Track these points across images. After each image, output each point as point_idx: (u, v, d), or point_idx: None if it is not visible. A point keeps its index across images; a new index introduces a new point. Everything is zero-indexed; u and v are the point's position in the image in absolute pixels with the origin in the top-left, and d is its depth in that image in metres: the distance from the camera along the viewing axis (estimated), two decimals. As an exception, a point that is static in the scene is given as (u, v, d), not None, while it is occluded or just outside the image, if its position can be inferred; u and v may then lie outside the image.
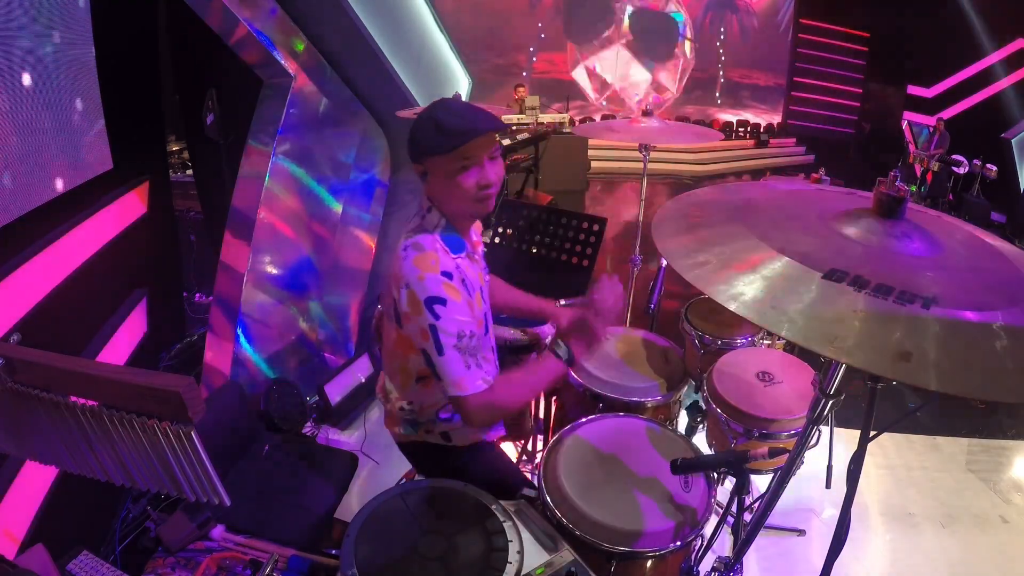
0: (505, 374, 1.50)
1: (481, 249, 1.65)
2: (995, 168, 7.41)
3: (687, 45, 11.21)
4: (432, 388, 1.54)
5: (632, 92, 11.21)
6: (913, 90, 9.54)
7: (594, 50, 11.05)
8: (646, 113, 2.89)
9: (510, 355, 2.17)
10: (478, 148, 1.36)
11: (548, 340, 2.22)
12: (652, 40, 11.11)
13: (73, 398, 0.96)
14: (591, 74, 11.15)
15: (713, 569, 1.46)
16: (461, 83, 4.83)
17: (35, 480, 1.90)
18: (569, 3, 10.92)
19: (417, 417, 1.61)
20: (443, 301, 1.33)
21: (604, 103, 11.27)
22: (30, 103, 1.85)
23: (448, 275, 1.37)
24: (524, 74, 10.81)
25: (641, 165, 2.97)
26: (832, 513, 2.64)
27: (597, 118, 10.29)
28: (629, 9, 10.91)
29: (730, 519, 1.55)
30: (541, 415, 2.39)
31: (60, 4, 1.98)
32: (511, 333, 2.12)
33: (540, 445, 2.54)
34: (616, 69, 11.10)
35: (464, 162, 1.36)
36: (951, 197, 7.69)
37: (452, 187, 1.38)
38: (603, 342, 1.55)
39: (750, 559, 2.39)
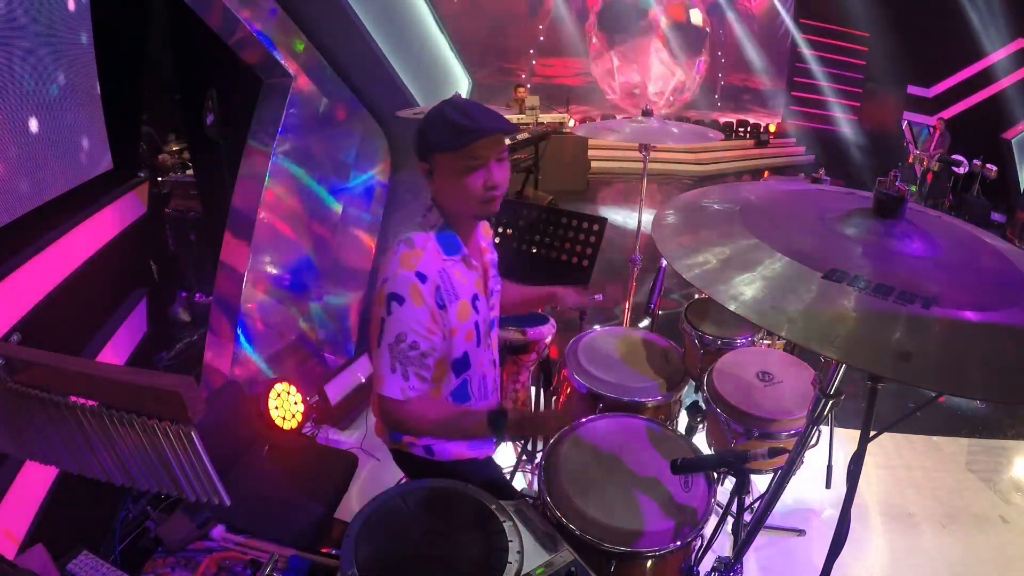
0: (434, 403, 1.47)
1: (489, 257, 1.59)
2: (995, 168, 7.41)
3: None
4: None
5: (655, 84, 11.22)
6: (913, 90, 9.54)
7: (625, 43, 11.07)
8: (646, 113, 2.89)
9: (510, 355, 2.17)
10: (487, 149, 1.34)
11: (548, 341, 2.23)
12: (681, 46, 11.23)
13: (73, 398, 0.96)
14: (613, 71, 11.15)
15: (713, 569, 1.46)
16: (461, 84, 4.83)
17: (35, 480, 1.90)
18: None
19: (389, 428, 1.58)
20: (401, 300, 1.33)
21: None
22: (29, 102, 1.86)
23: (422, 277, 1.35)
24: (523, 76, 10.81)
25: (641, 165, 2.97)
26: (832, 513, 2.63)
27: (597, 118, 10.29)
28: (663, 19, 11.02)
29: (730, 519, 1.55)
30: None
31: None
32: (511, 333, 2.13)
33: (540, 445, 2.54)
34: (643, 63, 11.13)
35: (472, 162, 1.34)
36: (951, 197, 7.69)
37: (458, 187, 1.36)
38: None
39: (750, 559, 2.39)
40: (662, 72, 11.39)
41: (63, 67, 2.03)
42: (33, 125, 1.87)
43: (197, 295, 4.23)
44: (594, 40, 11.11)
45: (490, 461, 1.72)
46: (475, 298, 1.48)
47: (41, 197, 1.95)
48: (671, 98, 11.33)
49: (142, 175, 3.51)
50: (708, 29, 11.41)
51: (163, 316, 3.55)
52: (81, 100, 2.16)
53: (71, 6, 2.05)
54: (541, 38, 10.99)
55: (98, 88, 2.25)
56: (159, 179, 4.02)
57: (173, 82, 3.78)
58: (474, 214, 1.44)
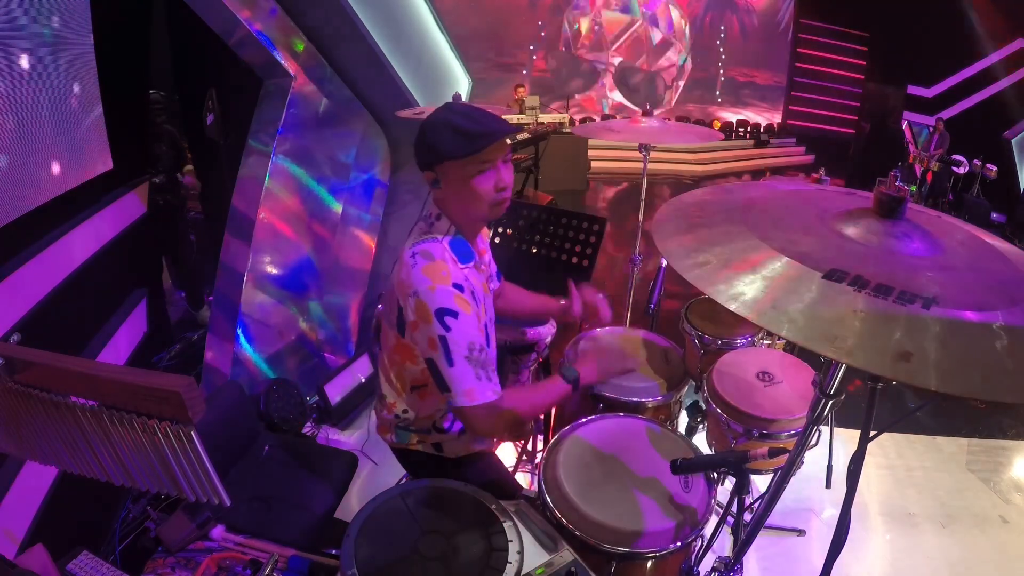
0: (513, 388, 1.50)
1: (488, 257, 1.63)
2: (995, 168, 7.41)
3: (680, 63, 11.19)
4: (428, 398, 1.52)
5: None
6: (913, 90, 9.54)
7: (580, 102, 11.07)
8: (646, 113, 2.89)
9: (510, 355, 2.17)
10: (495, 151, 1.36)
11: (548, 341, 2.23)
12: (639, 93, 11.14)
13: (73, 398, 0.96)
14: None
15: (713, 569, 1.46)
16: (461, 83, 4.83)
17: (35, 480, 1.90)
18: (554, 64, 10.93)
19: (411, 425, 1.60)
20: (455, 314, 1.33)
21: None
22: (30, 102, 1.85)
23: (459, 287, 1.36)
24: (524, 72, 10.79)
25: (641, 165, 2.97)
26: (832, 513, 2.64)
27: (597, 118, 10.28)
28: (614, 66, 10.91)
29: (730, 519, 1.55)
30: (541, 415, 2.39)
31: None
32: (511, 333, 2.13)
33: (540, 445, 2.54)
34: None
35: (482, 166, 1.35)
36: (951, 197, 7.69)
37: (468, 192, 1.37)
38: (611, 361, 1.59)
39: (750, 559, 2.39)
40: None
41: (64, 66, 2.03)
42: (33, 124, 1.87)
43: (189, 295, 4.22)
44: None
45: (495, 457, 1.74)
46: (485, 300, 1.51)
47: (41, 197, 1.95)
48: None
49: (158, 180, 3.51)
50: (680, 36, 11.21)
51: (167, 317, 3.56)
52: (81, 100, 2.16)
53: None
54: (542, 33, 10.95)
55: (98, 87, 2.25)
56: (178, 177, 3.95)
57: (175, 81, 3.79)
58: (485, 217, 1.45)
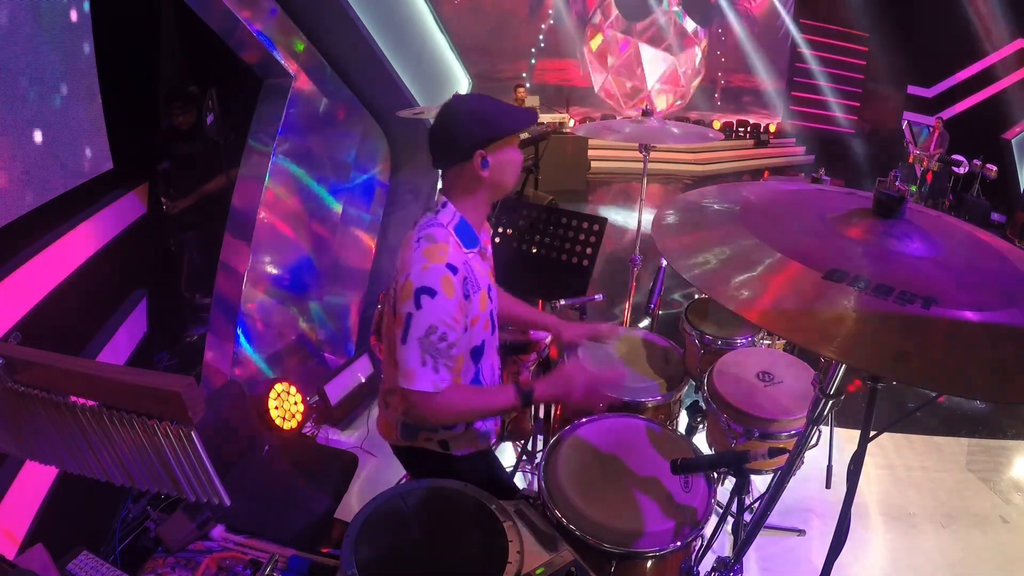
0: (459, 387, 1.49)
1: (489, 251, 1.66)
2: (995, 168, 7.41)
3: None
4: None
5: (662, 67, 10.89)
6: (913, 90, 9.53)
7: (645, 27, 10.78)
8: (646, 113, 2.89)
9: (510, 355, 2.17)
10: None
11: (548, 341, 2.23)
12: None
13: (73, 398, 0.96)
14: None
15: (713, 569, 1.46)
16: (461, 84, 4.83)
17: (35, 480, 1.90)
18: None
19: (419, 422, 1.60)
20: (432, 292, 1.35)
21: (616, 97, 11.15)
22: (29, 102, 1.85)
23: (453, 268, 1.38)
24: (526, 82, 10.78)
25: (641, 165, 2.97)
26: (832, 513, 2.63)
27: (597, 118, 10.27)
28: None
29: (730, 519, 1.55)
30: (541, 415, 2.39)
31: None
32: (512, 333, 2.13)
33: (540, 445, 2.54)
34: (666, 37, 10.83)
35: (519, 138, 1.48)
36: (951, 197, 7.69)
37: (512, 165, 1.48)
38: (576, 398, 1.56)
39: (750, 559, 2.39)
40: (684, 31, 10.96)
41: (63, 65, 2.03)
42: (33, 124, 1.87)
43: (197, 295, 4.22)
44: (603, 36, 10.88)
45: (495, 457, 1.75)
46: (489, 288, 1.53)
47: (40, 198, 1.94)
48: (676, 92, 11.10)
49: (170, 202, 3.45)
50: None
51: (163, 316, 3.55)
52: (81, 99, 2.16)
53: (73, 16, 2.05)
54: (541, 41, 10.95)
55: (98, 87, 2.25)
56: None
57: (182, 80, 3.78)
58: (511, 189, 1.52)
